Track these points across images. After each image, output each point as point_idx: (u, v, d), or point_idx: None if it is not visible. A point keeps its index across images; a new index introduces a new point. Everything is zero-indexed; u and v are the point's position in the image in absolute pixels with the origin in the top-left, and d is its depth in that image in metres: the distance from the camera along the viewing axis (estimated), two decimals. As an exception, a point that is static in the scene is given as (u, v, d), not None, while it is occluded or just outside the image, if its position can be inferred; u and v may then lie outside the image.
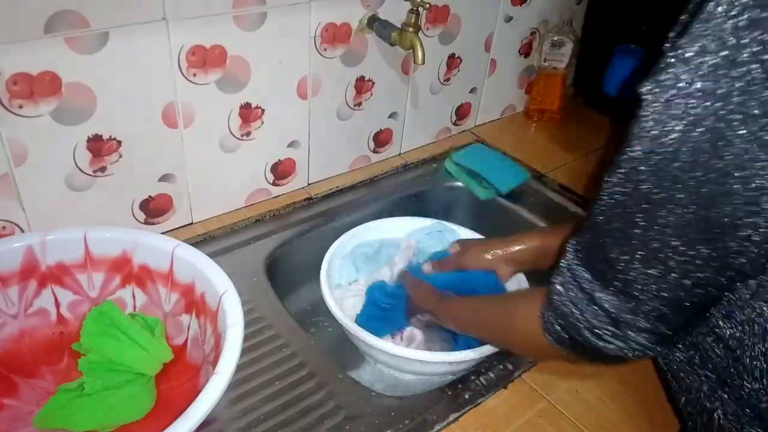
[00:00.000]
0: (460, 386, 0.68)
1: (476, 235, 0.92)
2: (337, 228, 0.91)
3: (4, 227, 0.72)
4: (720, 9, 0.37)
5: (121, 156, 0.76)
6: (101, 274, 0.69)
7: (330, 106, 0.94)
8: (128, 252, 0.68)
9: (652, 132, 0.40)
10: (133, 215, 0.82)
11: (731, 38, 0.36)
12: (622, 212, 0.44)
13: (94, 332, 0.64)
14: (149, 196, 0.82)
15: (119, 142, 0.75)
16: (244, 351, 0.64)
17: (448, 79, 1.08)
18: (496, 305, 0.66)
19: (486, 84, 1.16)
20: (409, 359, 0.72)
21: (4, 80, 0.64)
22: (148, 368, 0.64)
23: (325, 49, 0.87)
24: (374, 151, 1.06)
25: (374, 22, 0.88)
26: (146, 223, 0.84)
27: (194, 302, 0.67)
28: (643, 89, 0.41)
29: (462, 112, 1.16)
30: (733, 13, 0.36)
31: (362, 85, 0.95)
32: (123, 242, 0.68)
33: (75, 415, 0.60)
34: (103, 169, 0.76)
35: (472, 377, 0.70)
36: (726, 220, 0.39)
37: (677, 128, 0.39)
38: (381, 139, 1.05)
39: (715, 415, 0.51)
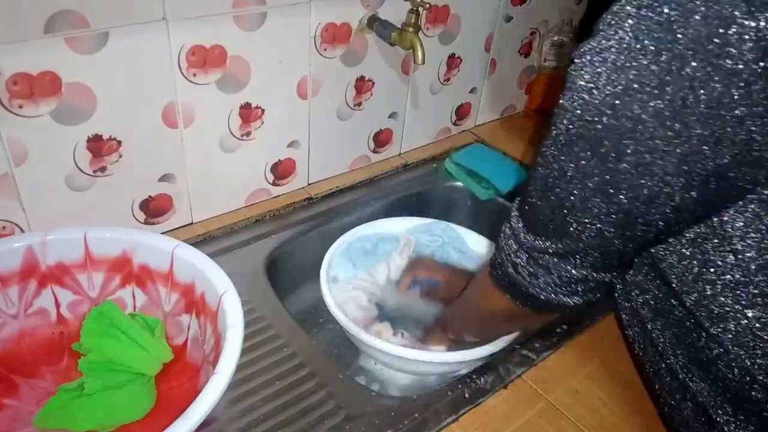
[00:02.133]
0: (460, 386, 0.68)
1: (476, 235, 0.92)
2: (337, 228, 0.91)
3: (4, 227, 0.72)
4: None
5: (121, 156, 0.76)
6: (101, 274, 0.69)
7: (330, 106, 0.94)
8: (128, 252, 0.68)
9: (567, 93, 0.46)
10: (133, 215, 0.82)
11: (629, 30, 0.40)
12: (543, 163, 0.48)
13: (94, 332, 0.64)
14: (149, 196, 0.82)
15: (119, 142, 0.75)
16: (244, 351, 0.64)
17: (448, 79, 1.08)
18: (470, 284, 0.71)
19: (486, 84, 1.16)
20: (409, 359, 0.72)
21: (4, 80, 0.64)
22: (148, 368, 0.64)
23: (325, 49, 0.87)
24: (374, 151, 1.06)
25: (374, 22, 0.88)
26: (146, 223, 0.84)
27: (194, 302, 0.67)
28: (573, 52, 0.45)
29: (462, 112, 1.16)
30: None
31: (362, 85, 0.95)
32: (123, 242, 0.68)
33: (75, 415, 0.60)
34: (103, 169, 0.76)
35: (472, 377, 0.70)
36: (620, 179, 0.43)
37: (585, 91, 0.44)
38: (381, 139, 1.05)
39: (675, 369, 0.53)
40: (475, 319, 0.70)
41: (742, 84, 0.36)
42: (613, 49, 0.41)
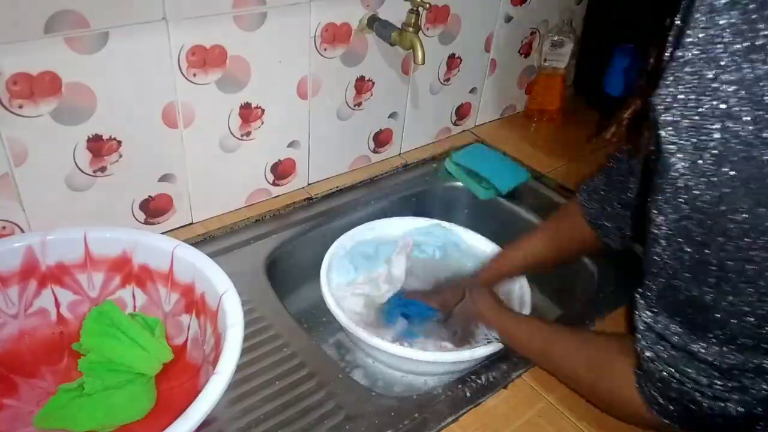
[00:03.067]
0: (460, 386, 0.68)
1: (475, 235, 0.92)
2: (337, 228, 0.91)
3: (4, 227, 0.72)
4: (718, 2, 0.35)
5: (121, 156, 0.76)
6: (101, 274, 0.69)
7: (330, 106, 0.94)
8: (128, 252, 0.68)
9: (691, 141, 0.36)
10: (133, 215, 0.82)
11: (744, 25, 0.34)
12: (687, 238, 0.39)
13: (94, 332, 0.64)
14: (149, 196, 0.82)
15: (119, 142, 0.75)
16: (244, 351, 0.64)
17: (448, 79, 1.08)
18: (577, 349, 0.60)
19: (486, 84, 1.16)
20: (409, 359, 0.72)
21: (4, 80, 0.64)
22: (148, 368, 0.64)
23: (325, 49, 0.87)
24: (374, 151, 1.06)
25: (374, 22, 0.88)
26: (146, 223, 0.84)
27: (194, 302, 0.67)
28: (660, 100, 0.37)
29: (462, 112, 1.16)
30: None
31: (362, 85, 0.95)
32: (123, 242, 0.68)
33: (75, 415, 0.60)
34: (103, 169, 0.76)
35: (472, 377, 0.70)
36: None
37: (715, 127, 0.36)
38: (381, 139, 1.05)
39: None
40: (555, 368, 0.64)
41: None
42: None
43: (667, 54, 0.38)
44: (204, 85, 0.78)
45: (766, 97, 0.34)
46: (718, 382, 0.41)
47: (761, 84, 0.34)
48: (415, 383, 0.79)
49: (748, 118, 0.35)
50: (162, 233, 0.77)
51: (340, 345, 0.87)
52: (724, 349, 0.40)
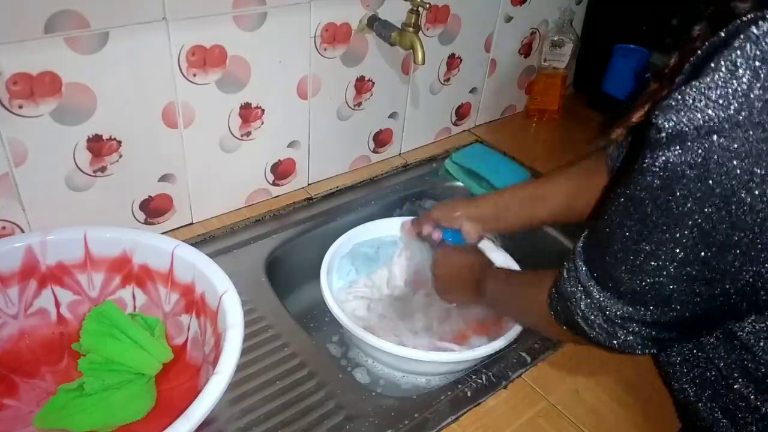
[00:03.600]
0: (460, 386, 0.68)
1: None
2: (337, 228, 0.91)
3: (4, 227, 0.72)
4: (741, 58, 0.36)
5: (121, 156, 0.76)
6: (101, 274, 0.69)
7: (330, 106, 0.94)
8: (128, 252, 0.68)
9: (663, 173, 0.39)
10: (133, 215, 0.82)
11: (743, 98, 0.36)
12: (625, 226, 0.44)
13: (94, 332, 0.64)
14: (149, 196, 0.82)
15: (119, 142, 0.75)
16: (244, 351, 0.64)
17: (448, 79, 1.08)
18: (523, 279, 0.68)
19: (486, 84, 1.16)
20: (409, 359, 0.72)
21: (4, 80, 0.64)
22: (148, 368, 0.64)
23: (325, 49, 0.87)
24: (374, 151, 1.06)
25: (374, 22, 0.88)
26: (146, 223, 0.84)
27: (194, 302, 0.67)
28: (659, 119, 0.39)
29: (462, 112, 1.16)
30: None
31: (362, 85, 0.95)
32: (123, 242, 0.68)
33: (75, 415, 0.60)
34: (103, 169, 0.76)
35: (472, 377, 0.70)
36: (727, 267, 0.39)
37: (691, 173, 0.38)
38: (381, 139, 1.05)
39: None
40: (507, 315, 0.71)
41: None
42: (726, 133, 0.36)
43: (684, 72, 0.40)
44: (204, 85, 0.78)
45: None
46: (598, 321, 0.49)
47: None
48: (415, 383, 0.79)
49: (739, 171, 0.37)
50: (162, 233, 0.77)
51: (340, 345, 0.87)
52: (614, 302, 0.47)
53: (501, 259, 0.87)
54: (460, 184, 1.05)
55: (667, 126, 0.38)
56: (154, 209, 0.83)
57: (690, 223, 0.39)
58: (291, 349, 0.71)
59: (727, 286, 0.41)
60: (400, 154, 1.10)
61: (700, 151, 0.37)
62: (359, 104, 0.97)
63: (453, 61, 1.06)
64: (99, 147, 0.74)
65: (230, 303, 0.61)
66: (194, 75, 0.76)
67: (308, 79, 0.88)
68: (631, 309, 0.46)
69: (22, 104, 0.66)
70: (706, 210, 0.38)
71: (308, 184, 0.99)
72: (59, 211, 0.75)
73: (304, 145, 0.94)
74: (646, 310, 0.46)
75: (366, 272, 0.88)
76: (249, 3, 0.76)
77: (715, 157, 0.37)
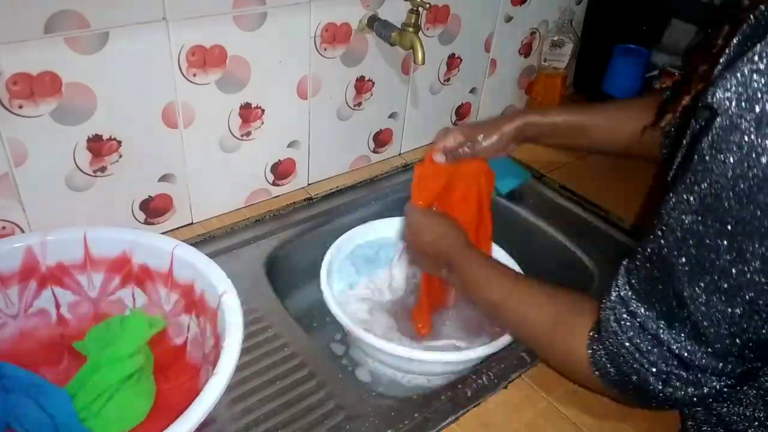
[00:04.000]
0: (460, 386, 0.68)
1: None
2: (337, 228, 0.91)
3: (4, 227, 0.72)
4: None
5: (121, 156, 0.76)
6: (101, 274, 0.69)
7: (330, 106, 0.94)
8: (128, 252, 0.68)
9: (741, 151, 0.35)
10: (133, 215, 0.82)
11: None
12: (698, 242, 0.38)
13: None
14: (149, 196, 0.82)
15: (119, 142, 0.75)
16: (244, 351, 0.64)
17: (448, 79, 1.08)
18: (542, 302, 0.58)
19: (486, 84, 1.16)
20: (409, 359, 0.72)
21: (4, 80, 0.64)
22: (134, 362, 0.63)
23: (325, 49, 0.87)
24: (374, 151, 1.06)
25: (374, 22, 0.88)
26: (146, 223, 0.84)
27: (194, 302, 0.67)
28: (719, 96, 0.36)
29: (462, 112, 1.16)
30: None
31: (362, 85, 0.95)
32: (123, 242, 0.68)
33: None
34: (103, 169, 0.76)
35: (472, 377, 0.70)
36: None
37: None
38: (381, 139, 1.05)
39: None
40: (503, 318, 0.62)
41: None
42: None
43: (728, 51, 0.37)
44: (204, 85, 0.78)
45: None
46: (678, 372, 0.42)
47: None
48: (416, 383, 0.79)
49: None
50: (162, 233, 0.77)
51: (340, 345, 0.87)
52: (697, 348, 0.41)
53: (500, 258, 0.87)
54: (460, 184, 1.05)
55: (727, 99, 0.35)
56: (154, 209, 0.83)
57: None
58: (291, 349, 0.71)
59: None
60: (400, 154, 1.10)
61: None
62: (359, 104, 0.97)
63: (453, 61, 1.06)
64: (99, 147, 0.74)
65: (230, 303, 0.61)
66: (194, 75, 0.76)
67: (308, 79, 0.88)
68: (707, 347, 0.40)
69: (22, 104, 0.66)
70: None
71: (308, 184, 0.99)
72: (59, 211, 0.75)
73: (304, 145, 0.94)
74: (725, 340, 0.39)
75: (367, 273, 0.88)
76: (249, 3, 0.76)
77: None
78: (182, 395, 0.63)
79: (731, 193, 0.36)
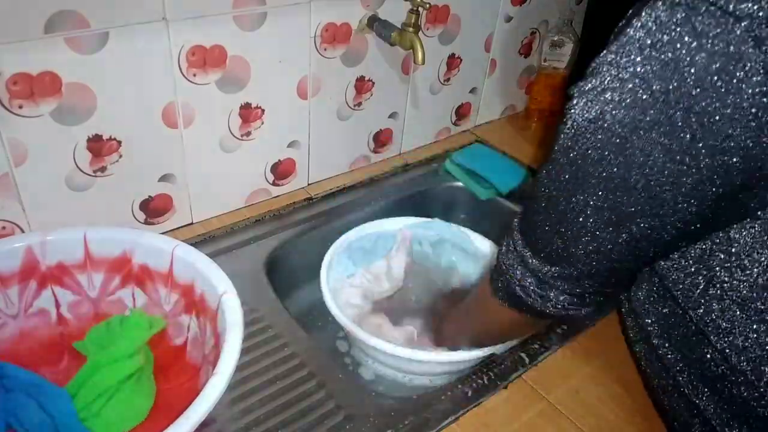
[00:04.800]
0: (460, 386, 0.68)
1: (476, 234, 0.92)
2: (337, 228, 0.90)
3: (4, 227, 0.72)
4: (634, 33, 0.40)
5: (121, 156, 0.76)
6: (101, 274, 0.69)
7: (330, 106, 0.94)
8: (128, 252, 0.68)
9: (570, 131, 0.45)
10: (133, 215, 0.82)
11: (638, 58, 0.40)
12: (548, 194, 0.49)
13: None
14: (149, 196, 0.82)
15: (119, 142, 0.75)
16: (244, 351, 0.64)
17: (448, 79, 1.08)
18: (469, 301, 0.70)
19: (486, 84, 1.16)
20: (409, 359, 0.72)
21: (4, 80, 0.64)
22: (133, 363, 0.63)
23: (325, 49, 0.87)
24: (374, 151, 1.06)
25: (374, 22, 0.88)
26: (146, 223, 0.84)
27: (194, 302, 0.67)
28: (571, 90, 0.46)
29: (462, 112, 1.16)
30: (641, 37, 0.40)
31: (362, 85, 0.95)
32: (123, 242, 0.68)
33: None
34: (103, 169, 0.76)
35: (472, 377, 0.70)
36: (630, 209, 0.43)
37: (590, 129, 0.44)
38: (381, 139, 1.05)
39: (681, 385, 0.53)
40: (477, 331, 0.70)
41: (750, 117, 0.37)
42: (618, 90, 0.41)
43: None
44: (204, 85, 0.78)
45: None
46: (533, 288, 0.53)
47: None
48: (416, 383, 0.79)
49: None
50: (162, 233, 0.77)
51: (340, 345, 0.87)
52: (546, 267, 0.52)
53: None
54: (460, 184, 1.05)
55: (574, 91, 0.45)
56: (154, 209, 0.83)
57: (595, 172, 0.44)
58: (291, 349, 0.71)
59: (635, 229, 0.44)
60: (400, 154, 1.10)
61: (597, 107, 0.43)
62: (359, 104, 0.97)
63: (453, 61, 1.07)
64: (99, 147, 0.74)
65: (230, 303, 0.61)
66: (194, 75, 0.76)
67: (308, 79, 0.88)
68: (558, 268, 0.51)
69: (22, 104, 0.66)
70: (606, 155, 0.43)
71: (308, 184, 0.99)
72: (59, 211, 0.75)
73: (304, 145, 0.94)
74: (573, 267, 0.50)
75: (364, 264, 0.88)
76: (249, 3, 0.76)
77: (609, 108, 0.42)
78: (182, 395, 0.63)
79: (564, 158, 0.47)
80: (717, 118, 0.37)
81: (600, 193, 0.44)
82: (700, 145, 0.38)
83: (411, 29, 0.85)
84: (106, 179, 0.77)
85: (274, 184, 0.95)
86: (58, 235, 0.66)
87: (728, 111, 0.37)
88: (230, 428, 0.62)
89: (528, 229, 0.53)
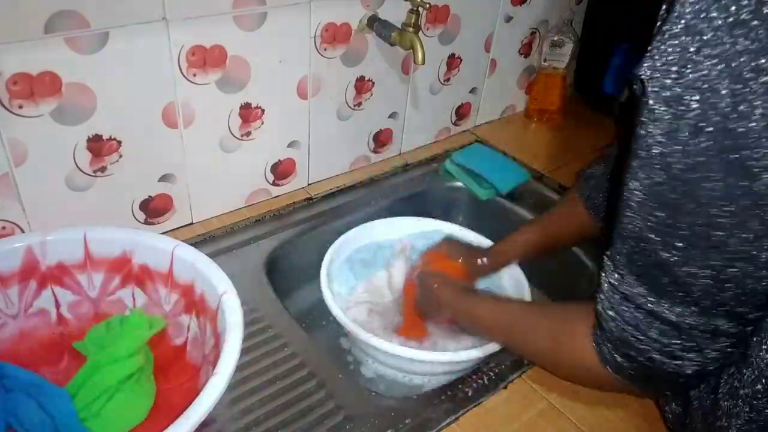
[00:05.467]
0: (460, 386, 0.68)
1: (477, 235, 0.92)
2: (337, 228, 0.91)
3: (4, 227, 0.72)
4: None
5: (121, 156, 0.76)
6: (101, 274, 0.69)
7: (330, 106, 0.94)
8: (128, 252, 0.68)
9: (670, 110, 0.39)
10: (133, 215, 0.82)
11: (729, 1, 0.36)
12: (659, 203, 0.41)
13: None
14: (149, 196, 0.82)
15: (119, 142, 0.75)
16: (244, 351, 0.64)
17: (448, 79, 1.08)
18: (539, 321, 0.60)
19: (486, 84, 1.16)
20: (409, 359, 0.72)
21: (4, 80, 0.64)
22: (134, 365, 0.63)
23: (325, 49, 0.87)
24: (374, 151, 1.06)
25: (374, 22, 0.88)
26: (146, 223, 0.84)
27: (194, 302, 0.67)
28: (643, 71, 0.40)
29: (462, 112, 1.16)
30: None
31: (362, 85, 0.95)
32: (123, 242, 0.68)
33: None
34: (103, 169, 0.76)
35: (472, 377, 0.70)
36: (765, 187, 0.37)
37: (695, 99, 0.38)
38: (381, 139, 1.05)
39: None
40: (516, 345, 0.65)
41: None
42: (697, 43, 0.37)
43: (654, 30, 0.40)
44: (204, 85, 0.78)
45: (744, 72, 0.36)
46: (676, 341, 0.44)
47: (741, 59, 0.36)
48: (416, 383, 0.79)
49: (726, 91, 0.37)
50: (162, 233, 0.77)
51: (340, 345, 0.87)
52: (686, 310, 0.43)
53: (511, 279, 0.86)
54: (460, 184, 1.05)
55: (645, 71, 0.39)
56: (154, 209, 0.83)
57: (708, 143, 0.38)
58: (291, 349, 0.71)
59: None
60: (400, 154, 1.10)
61: (691, 74, 0.37)
62: (359, 104, 0.97)
63: (453, 61, 1.07)
64: (99, 147, 0.74)
65: (230, 303, 0.61)
66: (194, 75, 0.76)
67: (308, 79, 0.88)
68: (698, 307, 0.42)
69: (22, 104, 0.66)
70: (712, 118, 0.37)
71: (308, 184, 0.99)
72: (59, 211, 0.75)
73: (304, 145, 0.94)
74: (713, 297, 0.41)
75: (365, 276, 0.88)
76: (249, 3, 0.76)
77: (704, 69, 0.37)
78: (182, 395, 0.63)
79: (672, 148, 0.40)
80: None
81: (726, 173, 0.38)
82: None
83: (411, 29, 0.85)
84: (106, 179, 0.77)
85: (274, 184, 0.95)
86: (58, 235, 0.66)
87: None
88: (230, 428, 0.62)
89: (641, 267, 0.44)
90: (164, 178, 0.82)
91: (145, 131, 0.77)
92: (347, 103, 0.96)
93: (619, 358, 0.47)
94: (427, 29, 0.98)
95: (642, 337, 0.45)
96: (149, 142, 0.78)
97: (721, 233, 0.40)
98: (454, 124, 1.16)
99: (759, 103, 0.36)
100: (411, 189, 1.03)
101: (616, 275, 0.46)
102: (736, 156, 0.37)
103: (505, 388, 0.69)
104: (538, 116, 1.26)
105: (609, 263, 0.47)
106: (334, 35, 0.87)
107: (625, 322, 0.46)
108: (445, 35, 1.02)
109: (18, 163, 0.69)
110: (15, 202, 0.71)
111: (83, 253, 0.67)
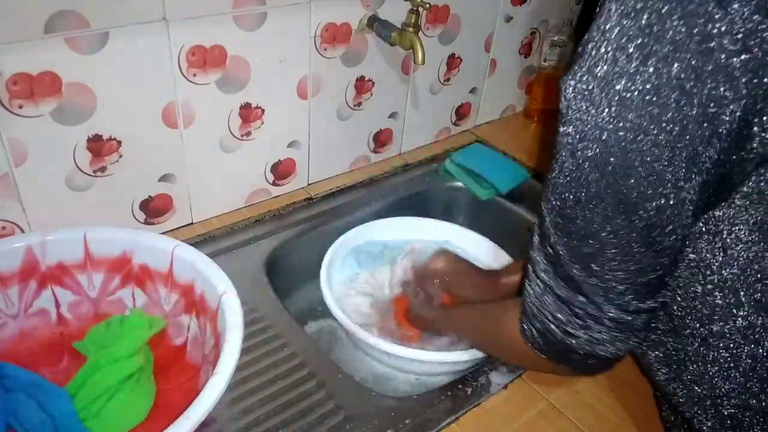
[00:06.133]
0: (460, 386, 0.68)
1: (477, 235, 0.92)
2: (337, 228, 0.91)
3: (4, 227, 0.72)
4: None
5: (121, 156, 0.76)
6: (101, 274, 0.69)
7: (330, 106, 0.94)
8: (128, 252, 0.68)
9: (572, 112, 0.47)
10: (133, 215, 0.82)
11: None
12: (556, 196, 0.48)
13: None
14: (149, 196, 0.82)
15: (119, 142, 0.75)
16: (244, 351, 0.64)
17: (448, 79, 1.08)
18: (483, 316, 0.68)
19: (486, 84, 1.16)
20: (409, 359, 0.72)
21: (4, 80, 0.64)
22: (133, 364, 0.63)
23: (325, 49, 0.87)
24: (374, 151, 1.06)
25: (374, 22, 0.88)
26: (146, 223, 0.84)
27: (194, 302, 0.67)
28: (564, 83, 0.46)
29: (462, 112, 1.16)
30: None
31: (362, 85, 0.95)
32: (123, 242, 0.68)
33: None
34: (103, 169, 0.76)
35: (472, 377, 0.70)
36: (634, 195, 0.43)
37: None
38: (381, 139, 1.05)
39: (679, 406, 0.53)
40: (478, 342, 0.70)
41: (727, 77, 0.37)
42: (600, 65, 0.42)
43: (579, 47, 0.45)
44: (204, 85, 0.78)
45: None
46: (571, 318, 0.50)
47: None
48: (416, 383, 0.79)
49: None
50: (162, 233, 0.77)
51: (340, 345, 0.87)
52: (572, 293, 0.49)
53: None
54: (460, 184, 1.05)
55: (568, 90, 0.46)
56: (154, 209, 0.83)
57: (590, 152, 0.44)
58: (291, 349, 0.71)
59: (644, 214, 0.43)
60: (400, 154, 1.10)
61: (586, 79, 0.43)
62: (359, 104, 0.97)
63: (453, 61, 1.07)
64: (99, 147, 0.74)
65: (230, 303, 0.61)
66: (194, 75, 0.76)
67: (308, 79, 0.88)
68: (593, 300, 0.48)
69: (22, 104, 0.66)
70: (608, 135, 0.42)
71: (308, 184, 0.99)
72: (59, 211, 0.75)
73: (304, 145, 0.94)
74: (606, 299, 0.47)
75: (368, 267, 0.88)
76: (249, 3, 0.76)
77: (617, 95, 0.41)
78: (182, 395, 0.63)
79: (569, 155, 0.47)
80: (698, 81, 0.38)
81: (601, 181, 0.44)
82: (687, 110, 0.39)
83: (411, 29, 0.85)
84: (106, 179, 0.77)
85: (274, 184, 0.95)
86: (58, 235, 0.66)
87: (707, 73, 0.37)
88: (230, 428, 0.62)
89: (548, 248, 0.50)
90: (164, 178, 0.82)
91: (145, 131, 0.77)
92: (347, 103, 0.96)
93: (532, 332, 0.54)
94: (427, 29, 0.98)
95: (544, 311, 0.51)
96: (149, 142, 0.78)
97: (603, 243, 0.46)
98: (454, 124, 1.16)
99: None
100: (411, 189, 1.03)
101: (535, 256, 0.52)
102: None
103: (505, 388, 0.69)
104: (538, 116, 1.26)
105: (535, 244, 0.53)
106: (334, 35, 0.87)
107: (534, 295, 0.52)
108: (445, 35, 1.02)
109: (18, 163, 0.69)
110: (15, 202, 0.71)
111: (83, 253, 0.67)
